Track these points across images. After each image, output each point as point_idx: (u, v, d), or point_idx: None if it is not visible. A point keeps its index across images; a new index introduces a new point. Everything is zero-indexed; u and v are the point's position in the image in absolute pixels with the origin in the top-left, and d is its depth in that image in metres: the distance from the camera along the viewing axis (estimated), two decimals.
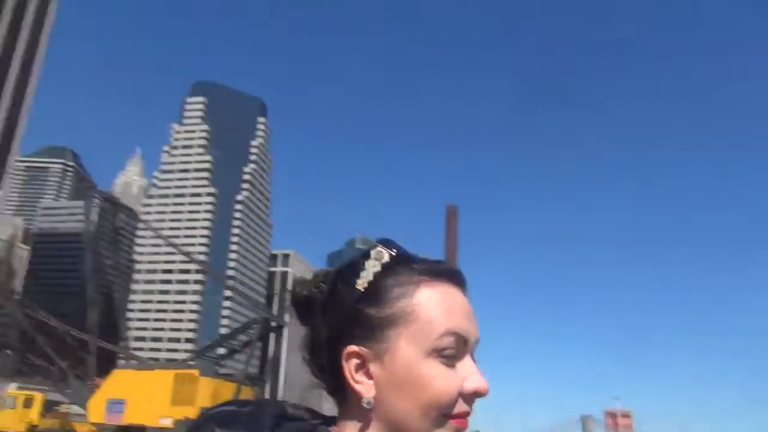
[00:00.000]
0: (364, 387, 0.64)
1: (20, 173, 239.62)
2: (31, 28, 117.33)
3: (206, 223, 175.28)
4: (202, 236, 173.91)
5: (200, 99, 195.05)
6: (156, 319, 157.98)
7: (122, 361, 30.02)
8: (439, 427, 0.61)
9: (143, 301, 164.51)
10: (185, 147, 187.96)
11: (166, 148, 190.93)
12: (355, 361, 0.64)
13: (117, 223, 44.54)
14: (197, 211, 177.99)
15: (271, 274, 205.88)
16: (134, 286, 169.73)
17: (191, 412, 22.21)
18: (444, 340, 0.62)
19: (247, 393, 25.14)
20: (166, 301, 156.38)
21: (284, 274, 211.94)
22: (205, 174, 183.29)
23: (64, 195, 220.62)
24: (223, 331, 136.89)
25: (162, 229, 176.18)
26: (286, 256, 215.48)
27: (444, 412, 0.61)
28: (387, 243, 0.68)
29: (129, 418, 23.71)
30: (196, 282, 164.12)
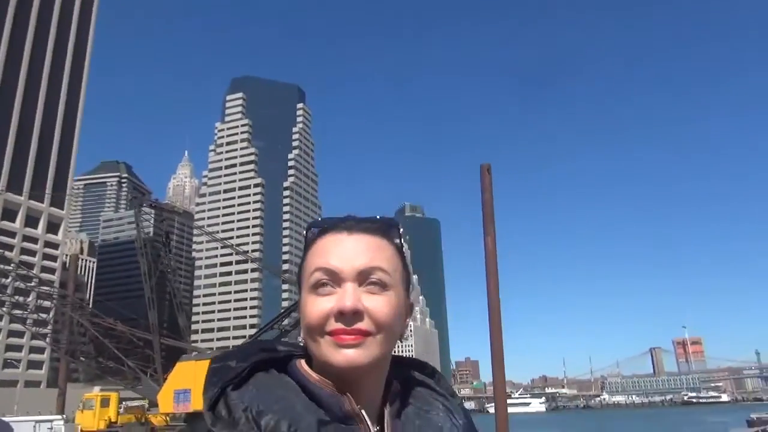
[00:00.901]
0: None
1: (80, 191, 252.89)
2: (73, 50, 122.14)
3: (257, 213, 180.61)
4: (255, 226, 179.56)
5: (239, 95, 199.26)
6: (220, 311, 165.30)
7: (184, 355, 32.56)
8: (319, 343, 0.81)
9: (206, 295, 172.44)
10: (229, 143, 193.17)
11: (211, 147, 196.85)
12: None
13: (165, 227, 47.47)
14: (247, 203, 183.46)
15: None
16: (197, 282, 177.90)
17: None
18: (314, 276, 0.83)
19: None
20: (228, 293, 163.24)
21: None
22: (251, 166, 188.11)
23: (123, 206, 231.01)
24: None
25: (216, 224, 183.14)
26: None
27: (319, 331, 0.81)
28: (314, 224, 0.90)
29: (196, 405, 25.07)
30: (254, 270, 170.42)
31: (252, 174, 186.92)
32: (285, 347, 0.90)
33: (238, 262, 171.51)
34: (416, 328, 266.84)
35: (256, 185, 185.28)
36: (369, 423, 0.84)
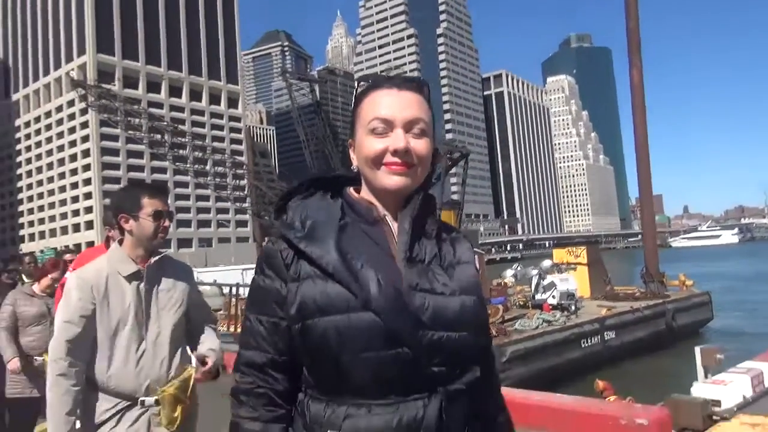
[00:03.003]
0: (354, 160, 1.14)
1: (249, 65, 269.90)
2: None
3: (414, 66, 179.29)
4: None
5: None
6: None
7: None
8: (375, 172, 1.07)
9: None
10: None
11: (361, 2, 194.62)
12: (351, 148, 1.14)
13: (314, 97, 50.18)
14: (402, 56, 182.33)
15: (486, 98, 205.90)
16: None
17: None
18: (372, 123, 1.06)
19: (447, 215, 29.17)
20: None
21: (499, 95, 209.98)
22: (402, 17, 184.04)
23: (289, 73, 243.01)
24: None
25: None
26: (497, 77, 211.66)
27: (377, 163, 1.07)
28: (363, 78, 1.13)
29: None
30: None
31: (404, 25, 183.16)
32: (342, 174, 1.18)
33: None
34: (588, 166, 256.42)
35: (409, 36, 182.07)
36: (391, 224, 1.11)
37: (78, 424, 2.15)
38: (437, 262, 1.10)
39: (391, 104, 1.07)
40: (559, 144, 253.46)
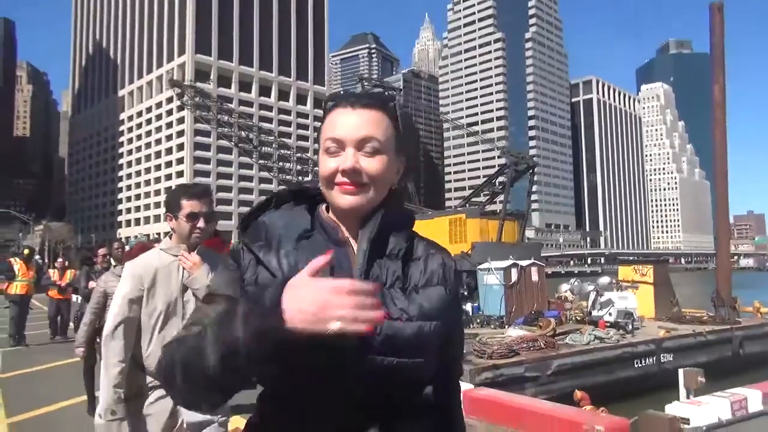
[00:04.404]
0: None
1: (337, 66, 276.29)
2: None
3: (500, 70, 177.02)
4: (498, 83, 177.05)
5: None
6: (470, 169, 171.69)
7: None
8: (330, 191, 1.07)
9: (456, 155, 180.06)
10: None
11: (449, 5, 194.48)
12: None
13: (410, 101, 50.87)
14: (489, 60, 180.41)
15: (574, 105, 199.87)
16: (446, 143, 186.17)
17: (465, 247, 27.37)
18: (326, 143, 1.07)
19: (510, 226, 29.01)
20: (477, 151, 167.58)
21: (587, 102, 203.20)
22: (490, 21, 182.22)
23: (375, 75, 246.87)
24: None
25: (459, 85, 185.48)
26: (586, 84, 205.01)
27: (330, 183, 1.07)
28: (330, 97, 1.13)
29: None
30: (500, 129, 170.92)
31: (491, 29, 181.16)
32: (317, 191, 1.14)
33: (483, 122, 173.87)
34: (681, 179, 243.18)
35: (496, 40, 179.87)
36: (354, 245, 1.09)
37: (122, 395, 2.46)
38: (399, 284, 1.07)
39: (343, 123, 1.07)
40: (650, 155, 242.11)
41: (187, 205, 2.51)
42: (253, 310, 0.88)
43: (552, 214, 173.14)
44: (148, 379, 2.50)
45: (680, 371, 4.27)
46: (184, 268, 2.54)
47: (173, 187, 2.71)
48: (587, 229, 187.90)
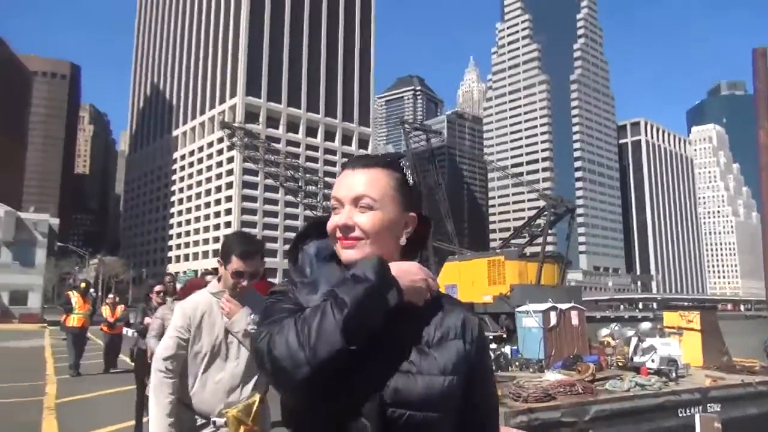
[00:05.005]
0: None
1: (382, 108, 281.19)
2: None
3: (545, 112, 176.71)
4: (543, 125, 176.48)
5: None
6: (515, 210, 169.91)
7: (450, 256, 36.11)
8: (336, 246, 1.14)
9: (500, 196, 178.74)
10: (511, 42, 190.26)
11: (494, 48, 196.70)
12: None
13: (430, 146, 51.27)
14: (533, 102, 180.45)
15: (622, 147, 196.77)
16: (491, 184, 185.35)
17: (504, 289, 27.12)
18: (332, 202, 1.15)
19: (550, 269, 28.60)
20: (521, 192, 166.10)
21: (636, 144, 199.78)
22: (535, 63, 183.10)
23: (419, 116, 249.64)
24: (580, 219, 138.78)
25: (503, 126, 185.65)
26: (634, 125, 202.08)
27: (333, 238, 1.14)
28: (345, 162, 1.23)
29: (461, 298, 29.46)
30: (545, 170, 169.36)
31: (536, 71, 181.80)
32: None
33: (528, 163, 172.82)
34: (738, 223, 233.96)
35: (540, 83, 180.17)
36: None
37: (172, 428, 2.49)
38: (411, 341, 1.08)
39: (343, 184, 1.16)
40: (703, 198, 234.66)
41: (236, 263, 2.55)
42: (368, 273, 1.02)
43: (600, 257, 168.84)
44: (191, 417, 2.53)
45: (696, 416, 4.27)
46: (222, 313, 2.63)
47: (231, 234, 2.75)
48: (638, 273, 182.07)
